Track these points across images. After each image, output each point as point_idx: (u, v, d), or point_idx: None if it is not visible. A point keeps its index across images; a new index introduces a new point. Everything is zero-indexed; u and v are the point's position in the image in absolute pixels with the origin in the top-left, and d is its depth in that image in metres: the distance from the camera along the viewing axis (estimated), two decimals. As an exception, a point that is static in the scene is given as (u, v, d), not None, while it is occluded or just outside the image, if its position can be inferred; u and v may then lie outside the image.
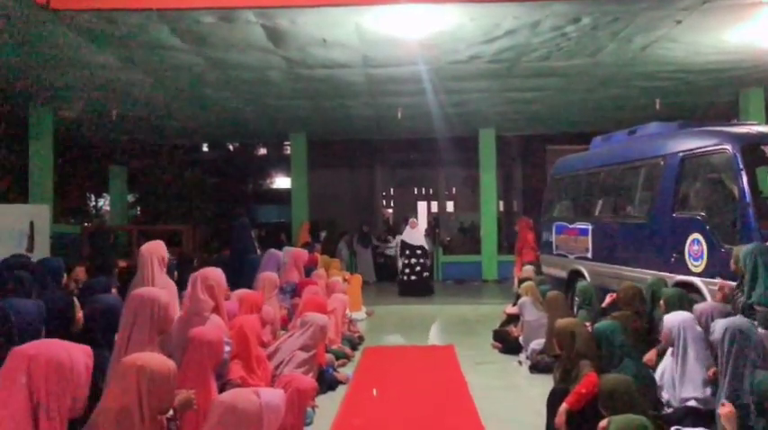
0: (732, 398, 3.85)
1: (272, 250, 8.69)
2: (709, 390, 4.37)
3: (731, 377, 3.88)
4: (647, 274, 6.82)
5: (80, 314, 3.72)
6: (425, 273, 13.32)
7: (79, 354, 2.46)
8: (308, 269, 9.26)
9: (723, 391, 3.93)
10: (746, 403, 3.80)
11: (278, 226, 19.87)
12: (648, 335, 5.70)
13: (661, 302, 5.50)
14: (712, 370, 4.29)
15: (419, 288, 13.00)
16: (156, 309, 3.68)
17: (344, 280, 10.27)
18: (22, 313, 3.27)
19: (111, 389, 2.75)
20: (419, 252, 13.24)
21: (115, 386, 2.75)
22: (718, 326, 4.07)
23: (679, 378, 4.47)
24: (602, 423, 3.93)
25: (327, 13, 7.25)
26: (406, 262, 13.20)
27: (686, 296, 5.57)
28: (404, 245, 13.36)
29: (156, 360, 2.86)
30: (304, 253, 9.16)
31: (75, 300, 4.49)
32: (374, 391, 6.25)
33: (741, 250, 5.04)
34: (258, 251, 9.85)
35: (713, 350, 4.24)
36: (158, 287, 4.40)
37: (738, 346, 3.89)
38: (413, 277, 13.09)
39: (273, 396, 3.47)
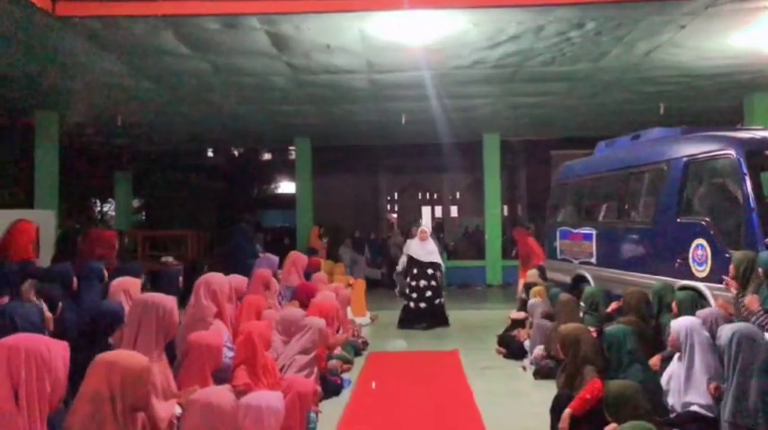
0: (738, 404, 3.84)
1: (268, 254, 8.68)
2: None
3: (738, 382, 3.87)
4: (652, 279, 6.81)
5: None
6: (437, 300, 10.08)
7: (58, 348, 2.57)
8: (308, 273, 9.20)
9: (729, 396, 3.92)
10: (753, 408, 3.80)
11: (282, 231, 19.91)
12: (654, 341, 5.69)
13: (673, 305, 5.48)
14: (713, 385, 4.27)
15: (428, 319, 9.92)
16: (160, 313, 3.69)
17: (348, 285, 10.27)
18: (24, 316, 3.36)
19: (85, 384, 2.77)
20: (430, 271, 10.05)
21: (89, 381, 2.78)
22: (725, 331, 4.06)
23: (684, 383, 4.46)
24: (608, 428, 3.93)
25: (331, 20, 7.28)
26: (413, 283, 10.02)
27: (699, 300, 5.57)
28: (411, 261, 10.22)
29: (128, 357, 2.88)
30: (302, 256, 9.12)
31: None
32: (373, 384, 6.30)
33: (740, 255, 5.04)
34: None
35: (720, 355, 4.23)
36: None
37: (745, 351, 3.88)
38: (421, 304, 9.93)
39: (273, 398, 3.49)
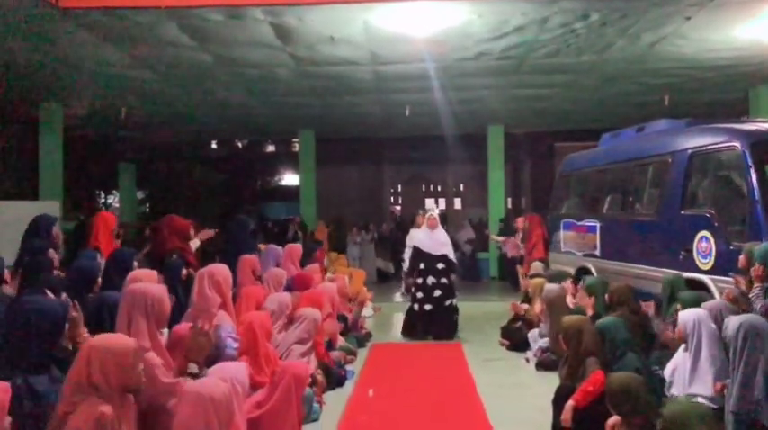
0: (743, 395, 3.84)
1: (272, 246, 8.67)
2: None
3: (743, 374, 3.87)
4: (656, 272, 6.80)
5: None
6: (448, 301, 8.54)
7: None
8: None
9: (734, 387, 3.92)
10: (758, 399, 3.80)
11: (286, 222, 19.96)
12: (644, 331, 5.66)
13: (678, 306, 5.42)
14: (719, 384, 4.26)
15: (436, 326, 8.45)
16: (149, 302, 3.67)
17: (349, 276, 10.28)
18: (44, 313, 3.32)
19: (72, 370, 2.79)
20: (440, 266, 8.53)
21: (74, 367, 2.79)
22: (732, 322, 4.05)
23: (690, 375, 4.45)
24: (611, 421, 3.94)
25: (335, 11, 7.26)
26: (419, 280, 8.53)
27: (703, 300, 5.52)
28: (417, 253, 8.70)
29: (112, 340, 2.88)
30: (297, 247, 9.11)
31: None
32: (370, 392, 6.23)
33: (754, 247, 5.00)
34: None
35: (726, 347, 4.22)
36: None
37: (751, 343, 3.88)
38: (426, 306, 8.43)
39: (236, 369, 3.52)
